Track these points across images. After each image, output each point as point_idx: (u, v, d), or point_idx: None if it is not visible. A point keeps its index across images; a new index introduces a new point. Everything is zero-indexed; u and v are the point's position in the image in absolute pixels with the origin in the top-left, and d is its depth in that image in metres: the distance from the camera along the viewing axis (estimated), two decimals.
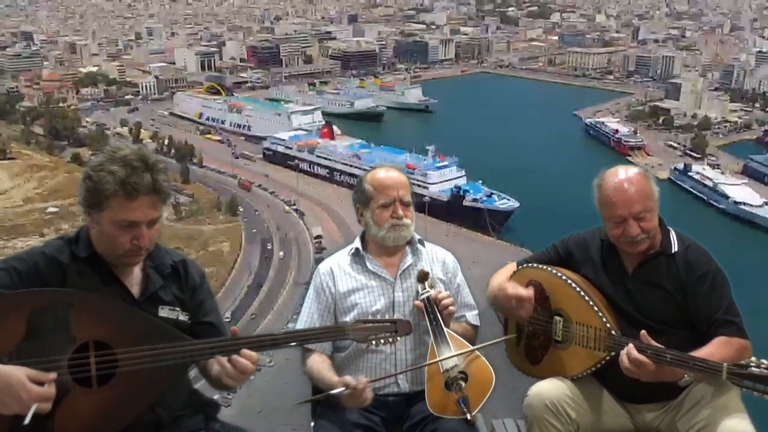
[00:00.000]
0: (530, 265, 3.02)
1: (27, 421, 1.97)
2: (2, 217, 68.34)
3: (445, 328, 2.81)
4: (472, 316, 3.10)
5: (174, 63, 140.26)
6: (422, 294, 2.88)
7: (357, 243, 3.08)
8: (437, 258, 3.11)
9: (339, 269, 3.03)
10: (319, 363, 2.88)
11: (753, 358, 2.33)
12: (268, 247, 62.77)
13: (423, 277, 2.92)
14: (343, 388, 2.58)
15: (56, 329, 2.11)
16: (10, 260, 2.25)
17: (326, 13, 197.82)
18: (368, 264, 3.01)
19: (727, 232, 63.57)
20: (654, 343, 2.51)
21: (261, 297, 52.68)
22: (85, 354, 2.13)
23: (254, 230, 66.62)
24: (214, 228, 67.13)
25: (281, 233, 65.56)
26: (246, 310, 50.67)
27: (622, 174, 2.73)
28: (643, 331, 2.53)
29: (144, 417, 2.28)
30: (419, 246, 3.08)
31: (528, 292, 2.87)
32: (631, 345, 2.52)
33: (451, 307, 2.85)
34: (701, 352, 2.52)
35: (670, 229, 2.82)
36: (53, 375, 2.03)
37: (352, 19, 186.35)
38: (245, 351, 2.28)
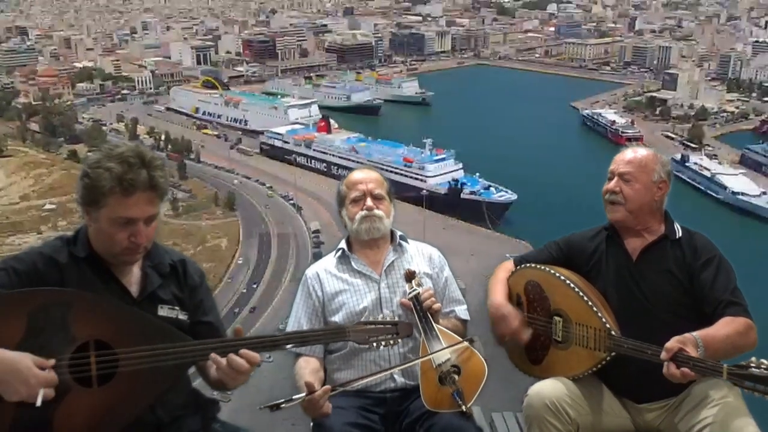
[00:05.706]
0: (529, 265, 3.02)
1: (38, 403, 1.98)
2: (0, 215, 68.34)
3: (435, 324, 2.83)
4: (461, 310, 3.12)
5: (169, 57, 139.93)
6: (410, 293, 2.89)
7: (342, 244, 3.13)
8: (423, 253, 3.13)
9: (325, 273, 3.06)
10: (302, 368, 2.89)
11: (753, 359, 2.31)
12: (266, 241, 62.91)
13: (410, 276, 2.94)
14: (302, 395, 2.54)
15: (56, 329, 2.11)
16: (9, 260, 2.25)
17: (322, 6, 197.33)
18: (353, 263, 3.05)
19: (725, 222, 63.57)
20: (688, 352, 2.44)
21: (259, 293, 52.82)
22: (85, 354, 2.13)
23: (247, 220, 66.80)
24: (212, 224, 67.18)
25: (279, 228, 65.62)
26: (245, 304, 50.90)
27: (639, 147, 2.93)
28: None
29: (144, 417, 2.27)
30: (402, 243, 3.12)
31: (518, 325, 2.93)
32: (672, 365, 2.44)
33: (435, 305, 2.86)
34: (707, 332, 2.51)
35: (674, 220, 2.88)
36: (52, 361, 2.05)
37: (347, 12, 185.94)
38: (244, 351, 2.26)
